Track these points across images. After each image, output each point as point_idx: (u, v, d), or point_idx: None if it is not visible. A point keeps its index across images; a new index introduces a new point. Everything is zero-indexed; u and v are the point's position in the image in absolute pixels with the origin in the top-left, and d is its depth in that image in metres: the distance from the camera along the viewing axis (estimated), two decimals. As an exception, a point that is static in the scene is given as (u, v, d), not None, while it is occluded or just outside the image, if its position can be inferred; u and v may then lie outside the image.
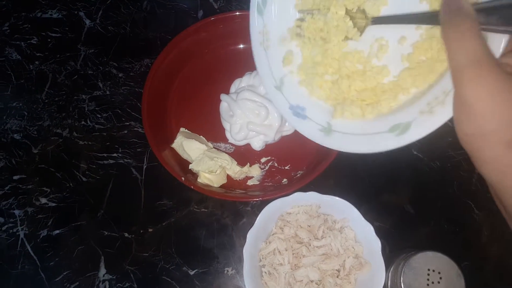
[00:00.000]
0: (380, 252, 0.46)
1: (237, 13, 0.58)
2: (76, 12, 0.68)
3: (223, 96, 0.58)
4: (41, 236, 0.56)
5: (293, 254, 0.48)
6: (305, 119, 0.41)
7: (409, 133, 0.33)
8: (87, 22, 0.67)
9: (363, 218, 0.48)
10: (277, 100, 0.43)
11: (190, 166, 0.53)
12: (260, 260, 0.50)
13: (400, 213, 0.55)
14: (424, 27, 0.34)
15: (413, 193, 0.56)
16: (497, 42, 0.27)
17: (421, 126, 0.32)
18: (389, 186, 0.56)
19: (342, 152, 0.51)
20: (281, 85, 0.43)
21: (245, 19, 0.48)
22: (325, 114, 0.40)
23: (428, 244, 0.52)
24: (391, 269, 0.47)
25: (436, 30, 0.33)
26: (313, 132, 0.40)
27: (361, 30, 0.37)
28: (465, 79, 0.24)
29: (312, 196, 0.49)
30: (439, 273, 0.44)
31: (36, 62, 0.65)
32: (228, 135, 0.58)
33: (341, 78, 0.39)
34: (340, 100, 0.40)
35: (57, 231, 0.56)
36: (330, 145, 0.38)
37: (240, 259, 0.54)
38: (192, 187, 0.50)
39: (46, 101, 0.63)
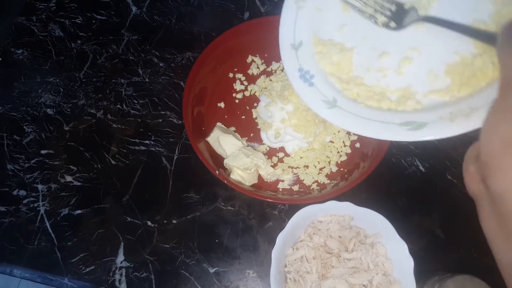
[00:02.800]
0: (412, 272, 0.45)
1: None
2: (123, -2, 0.69)
3: (262, 97, 0.58)
4: (61, 214, 0.55)
5: (321, 263, 0.47)
6: (311, 87, 0.39)
7: (422, 131, 0.32)
8: (134, 9, 0.68)
9: (397, 235, 0.46)
10: (288, 58, 0.40)
11: (225, 161, 0.52)
12: (286, 266, 0.48)
13: (430, 237, 0.54)
14: (461, 51, 0.35)
15: (445, 218, 0.55)
16: None
17: (437, 129, 0.32)
18: (421, 208, 0.55)
19: (378, 168, 0.52)
20: (298, 46, 0.40)
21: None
22: (333, 90, 0.38)
23: (456, 271, 0.50)
24: (423, 290, 0.46)
25: (472, 58, 0.34)
26: (315, 102, 0.38)
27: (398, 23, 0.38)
28: None
29: (347, 207, 0.48)
30: (474, 299, 0.43)
31: (78, 41, 0.65)
32: (263, 136, 0.57)
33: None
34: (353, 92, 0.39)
35: (79, 211, 0.55)
36: (330, 119, 0.36)
37: (263, 263, 0.52)
38: (225, 181, 0.49)
39: (84, 80, 0.63)
